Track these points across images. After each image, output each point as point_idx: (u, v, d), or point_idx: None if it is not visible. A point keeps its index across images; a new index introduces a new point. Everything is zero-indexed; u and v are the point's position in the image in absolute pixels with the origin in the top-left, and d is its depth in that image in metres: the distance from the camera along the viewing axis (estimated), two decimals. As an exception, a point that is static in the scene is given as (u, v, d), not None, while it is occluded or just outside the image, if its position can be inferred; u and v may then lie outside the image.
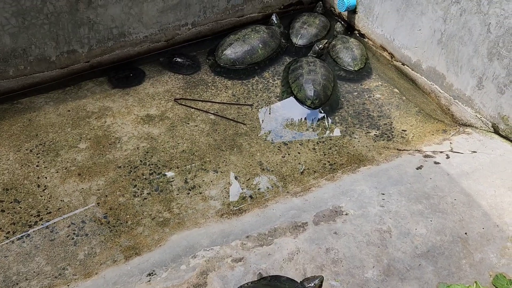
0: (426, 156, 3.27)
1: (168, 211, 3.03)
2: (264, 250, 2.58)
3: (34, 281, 2.58)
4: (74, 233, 2.88)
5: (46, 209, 3.02)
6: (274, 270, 2.45)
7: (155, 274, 2.48)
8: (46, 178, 3.22)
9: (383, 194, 2.94)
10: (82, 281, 2.54)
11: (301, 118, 3.82)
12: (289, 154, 3.49)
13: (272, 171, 3.35)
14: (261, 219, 2.84)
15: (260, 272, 2.44)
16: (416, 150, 3.37)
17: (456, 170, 3.10)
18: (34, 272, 2.64)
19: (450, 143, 3.39)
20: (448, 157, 3.23)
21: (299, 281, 2.20)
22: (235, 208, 3.01)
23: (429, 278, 2.42)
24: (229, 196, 3.14)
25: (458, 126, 3.64)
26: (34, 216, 2.98)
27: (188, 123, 3.71)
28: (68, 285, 2.52)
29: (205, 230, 2.81)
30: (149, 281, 2.43)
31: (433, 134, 3.58)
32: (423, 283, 2.40)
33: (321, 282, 2.21)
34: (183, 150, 3.48)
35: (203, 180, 3.27)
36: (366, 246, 2.59)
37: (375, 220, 2.75)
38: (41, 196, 3.10)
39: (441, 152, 3.30)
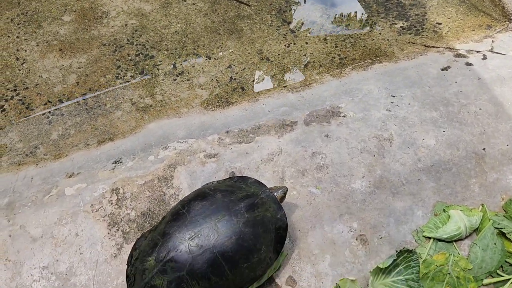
0: (458, 55, 2.71)
1: (151, 97, 2.75)
2: (242, 148, 2.30)
3: (5, 157, 2.48)
4: (49, 112, 2.70)
5: (24, 84, 2.82)
6: (250, 170, 2.19)
7: (121, 162, 2.29)
8: (25, 51, 2.97)
9: (394, 96, 2.49)
10: (51, 162, 2.41)
11: (316, 2, 3.23)
12: (294, 44, 3.01)
13: (272, 61, 2.92)
14: (247, 113, 2.52)
15: (233, 171, 2.19)
16: (447, 47, 2.79)
17: (491, 74, 2.55)
18: (6, 148, 2.53)
19: (492, 41, 2.78)
20: (485, 57, 2.66)
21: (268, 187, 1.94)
22: (221, 100, 2.68)
23: (427, 196, 2.09)
24: (218, 85, 2.80)
25: (507, 22, 2.96)
26: (11, 91, 2.79)
27: (185, 1, 3.24)
28: (37, 164, 2.40)
29: (185, 121, 2.54)
30: (113, 169, 2.25)
31: (473, 30, 2.95)
32: (418, 200, 2.08)
33: (284, 193, 1.94)
34: (176, 31, 3.07)
35: (193, 66, 2.91)
36: (359, 153, 2.24)
37: (377, 126, 2.35)
38: (19, 70, 2.89)
39: (477, 51, 2.72)
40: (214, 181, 1.99)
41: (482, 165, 2.21)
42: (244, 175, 2.16)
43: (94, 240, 1.96)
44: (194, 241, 1.65)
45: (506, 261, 1.93)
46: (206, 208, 1.74)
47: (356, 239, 1.97)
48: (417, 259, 1.86)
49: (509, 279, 1.86)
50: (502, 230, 2.00)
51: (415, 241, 1.98)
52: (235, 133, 2.37)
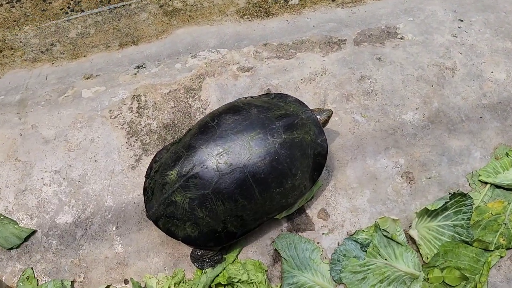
0: (544, -21, 2.28)
1: (180, 1, 2.44)
2: (281, 63, 2.02)
3: (19, 52, 2.26)
4: (69, 8, 2.43)
5: (41, -26, 2.53)
6: (287, 89, 1.93)
7: (144, 67, 2.05)
8: None
9: (462, 21, 2.13)
10: (67, 61, 2.19)
11: None
12: (349, -49, 2.59)
13: (321, -30, 2.53)
14: (289, 26, 2.21)
15: (269, 88, 1.94)
16: (531, -31, 2.35)
17: None
18: (20, 42, 2.31)
19: None
20: None
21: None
22: (260, 10, 2.36)
23: (488, 136, 1.82)
24: (257, -7, 2.46)
25: None
26: (27, -19, 2.51)
27: None
28: (52, 63, 2.18)
29: (217, 29, 2.24)
30: (135, 74, 2.02)
31: None
32: (478, 140, 1.81)
33: (329, 117, 1.68)
34: None
35: (230, -31, 2.55)
36: (415, 81, 1.94)
37: (438, 52, 2.02)
38: (37, -42, 2.58)
39: None
40: (248, 97, 1.75)
41: (556, 109, 1.90)
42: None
43: (110, 148, 1.78)
44: (222, 157, 1.45)
45: None
46: (238, 123, 1.51)
47: (402, 176, 1.74)
48: (471, 205, 1.64)
49: None
50: None
51: (469, 185, 1.74)
52: (273, 47, 2.08)
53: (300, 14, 2.26)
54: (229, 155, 1.45)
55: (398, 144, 1.80)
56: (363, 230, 1.64)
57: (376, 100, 1.90)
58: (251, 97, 1.73)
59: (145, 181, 1.59)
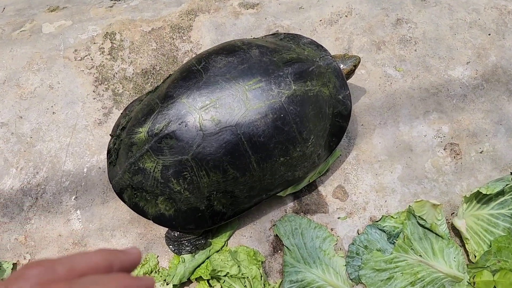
0: None
1: None
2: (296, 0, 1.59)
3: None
4: None
5: None
6: (302, 33, 1.51)
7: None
8: None
9: (531, -47, 1.66)
10: (34, -7, 1.78)
11: None
12: None
13: None
14: (307, -44, 1.76)
15: (278, 30, 1.52)
16: None
17: None
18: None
19: None
20: None
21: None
22: None
23: (558, 103, 1.40)
24: None
25: None
26: None
27: None
28: (16, -5, 1.78)
29: (218, -42, 1.80)
30: (111, 6, 1.61)
31: None
32: (545, 107, 1.39)
33: (355, 66, 1.26)
34: None
35: None
36: (467, 28, 1.51)
37: (500, -9, 1.57)
38: None
39: None
40: (253, 37, 1.34)
41: None
42: (293, 37, 1.49)
43: (73, 97, 1.40)
44: (208, 112, 1.06)
45: None
46: (232, 67, 1.11)
47: (444, 149, 1.34)
48: (536, 190, 1.24)
49: None
50: None
51: (533, 163, 1.33)
52: (287, -21, 1.65)
53: None
54: (218, 109, 1.06)
55: (442, 108, 1.39)
56: (391, 216, 1.26)
57: (415, 50, 1.48)
58: (255, 38, 1.32)
59: (110, 141, 1.22)
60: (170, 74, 1.23)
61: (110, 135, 1.22)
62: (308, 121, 1.12)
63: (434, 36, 1.50)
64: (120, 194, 1.15)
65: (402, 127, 1.37)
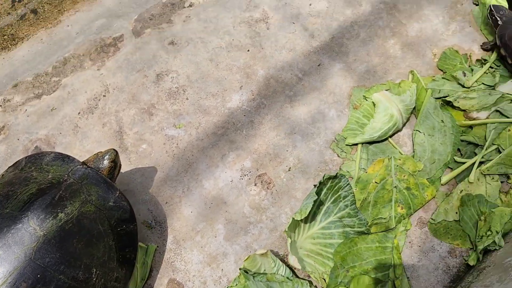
0: None
1: None
2: (44, 103, 1.40)
3: None
4: None
5: None
6: (64, 135, 1.34)
7: None
8: None
9: (254, -46, 1.66)
10: None
11: None
12: None
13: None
14: (45, 47, 1.57)
15: (37, 146, 1.32)
16: None
17: None
18: None
19: None
20: None
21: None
22: (4, 38, 1.69)
23: (336, 85, 1.41)
24: (-4, 17, 1.78)
25: None
26: None
27: None
28: None
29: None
30: None
31: None
32: (327, 95, 1.39)
33: (113, 160, 1.10)
34: None
35: None
36: (226, 53, 1.45)
37: (241, 5, 1.55)
38: None
39: None
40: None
41: (396, 16, 1.54)
42: (44, 150, 1.31)
43: None
44: None
45: (462, 140, 1.35)
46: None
47: (255, 184, 1.26)
48: (347, 184, 1.22)
49: (473, 164, 1.29)
50: (445, 98, 1.40)
51: (338, 155, 1.32)
52: (28, 84, 1.46)
53: (58, 24, 1.64)
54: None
55: (236, 144, 1.31)
56: (231, 286, 1.15)
57: (187, 99, 1.39)
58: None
59: None
60: None
61: None
62: (79, 258, 0.95)
63: (199, 76, 1.42)
64: None
65: (206, 184, 1.27)
